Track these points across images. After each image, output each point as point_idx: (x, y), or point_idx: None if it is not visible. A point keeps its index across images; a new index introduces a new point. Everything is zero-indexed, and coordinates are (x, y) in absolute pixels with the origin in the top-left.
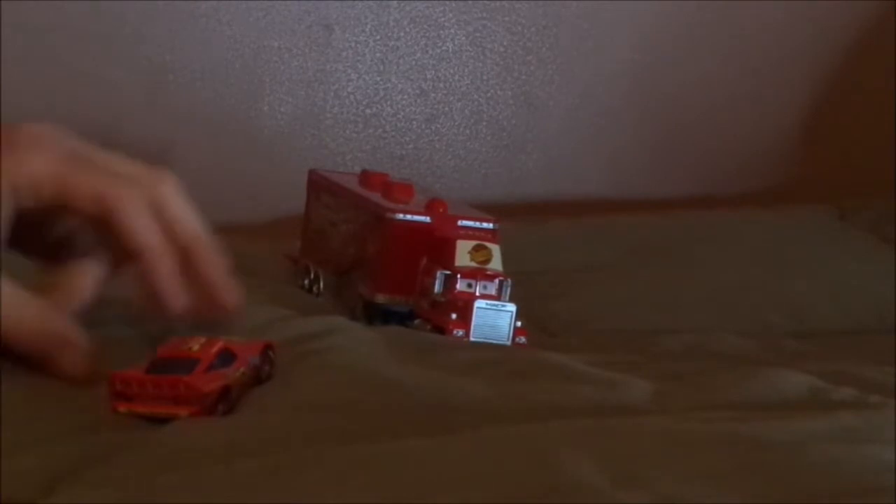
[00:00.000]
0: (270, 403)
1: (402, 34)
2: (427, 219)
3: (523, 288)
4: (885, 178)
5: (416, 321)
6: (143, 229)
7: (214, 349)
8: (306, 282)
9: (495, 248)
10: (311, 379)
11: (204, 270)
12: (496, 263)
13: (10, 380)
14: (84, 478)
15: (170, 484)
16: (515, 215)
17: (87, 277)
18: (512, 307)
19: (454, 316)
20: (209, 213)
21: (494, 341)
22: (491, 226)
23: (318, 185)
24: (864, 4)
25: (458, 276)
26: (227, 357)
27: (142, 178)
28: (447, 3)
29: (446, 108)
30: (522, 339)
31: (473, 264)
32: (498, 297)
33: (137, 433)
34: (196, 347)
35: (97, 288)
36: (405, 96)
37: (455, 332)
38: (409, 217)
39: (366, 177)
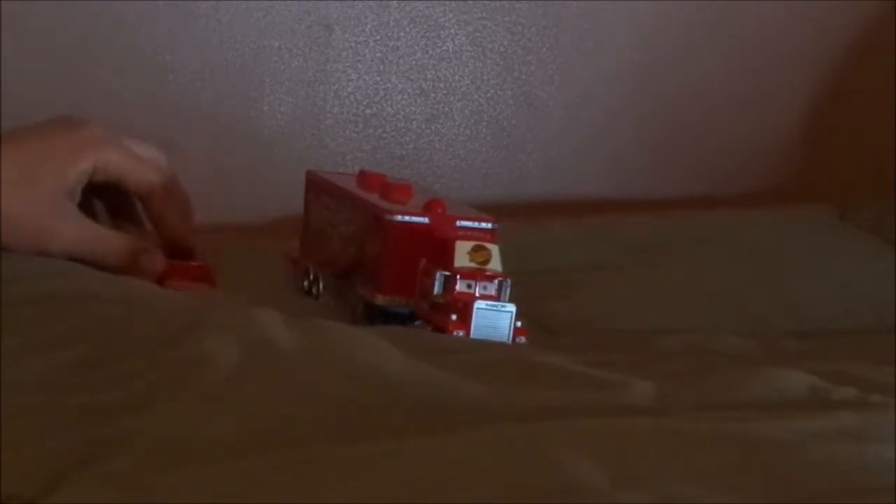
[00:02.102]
0: (270, 402)
1: (402, 34)
2: (426, 220)
3: (523, 288)
4: (885, 178)
5: (417, 322)
6: (168, 211)
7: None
8: (306, 283)
9: (494, 249)
10: (311, 378)
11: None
12: (495, 264)
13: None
14: (85, 476)
15: (170, 483)
16: (515, 215)
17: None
18: (512, 307)
19: (454, 317)
20: (209, 213)
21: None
22: (490, 226)
23: (317, 186)
24: (864, 4)
25: (458, 276)
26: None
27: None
28: (447, 3)
29: (446, 108)
30: (523, 340)
31: (473, 265)
32: (498, 298)
33: (137, 427)
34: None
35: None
36: (405, 96)
37: (455, 333)
38: (407, 218)
39: (364, 177)
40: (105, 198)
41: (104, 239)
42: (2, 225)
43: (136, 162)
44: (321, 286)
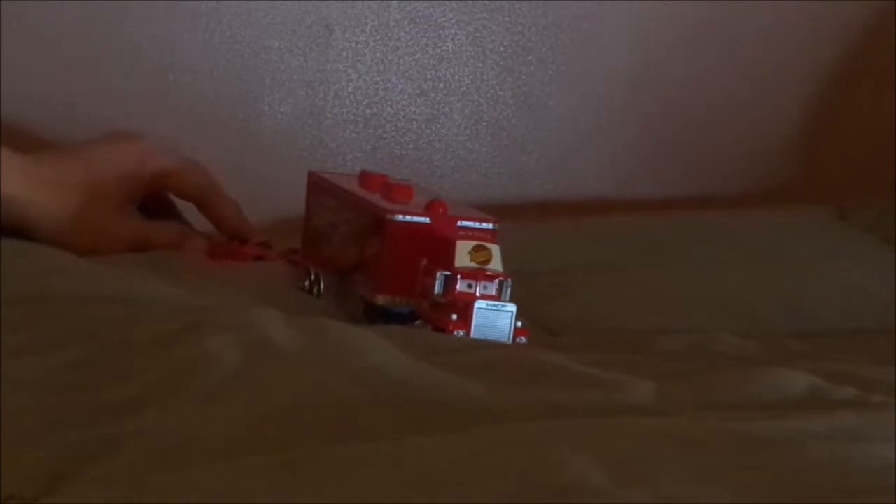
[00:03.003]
0: (271, 402)
1: (402, 34)
2: (427, 220)
3: (524, 288)
4: (885, 178)
5: (417, 322)
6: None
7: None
8: (307, 283)
9: (495, 249)
10: (312, 378)
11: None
12: (496, 264)
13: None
14: (85, 476)
15: (170, 483)
16: (515, 215)
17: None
18: (512, 307)
19: (455, 317)
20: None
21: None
22: (490, 226)
23: (318, 187)
24: (864, 4)
25: (459, 276)
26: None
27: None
28: (447, 3)
29: (446, 108)
30: (523, 340)
31: (473, 265)
32: (498, 298)
33: (137, 427)
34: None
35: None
36: (405, 96)
37: (456, 332)
38: (408, 218)
39: (365, 178)
40: (148, 207)
41: (158, 231)
42: (64, 224)
43: (190, 168)
44: (322, 286)
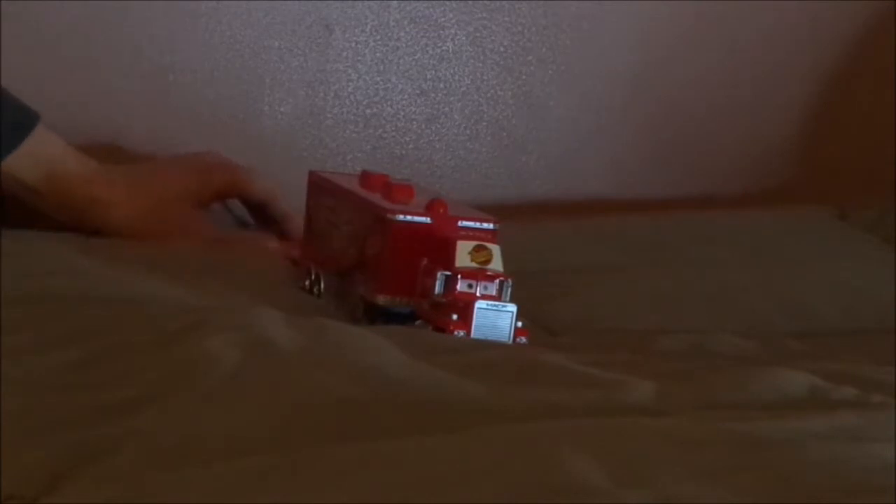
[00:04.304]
0: (271, 402)
1: (402, 34)
2: (427, 219)
3: (524, 288)
4: (885, 178)
5: (417, 322)
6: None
7: None
8: (307, 283)
9: (496, 249)
10: (312, 378)
11: None
12: (497, 264)
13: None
14: (85, 475)
15: (170, 483)
16: (515, 215)
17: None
18: (513, 307)
19: (455, 317)
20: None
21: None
22: (491, 226)
23: (319, 187)
24: (864, 4)
25: (459, 276)
26: None
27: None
28: (447, 3)
29: (446, 108)
30: (523, 340)
31: (474, 265)
32: (498, 298)
33: (137, 427)
34: None
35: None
36: (405, 96)
37: (456, 332)
38: (409, 218)
39: (366, 178)
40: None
41: (230, 235)
42: (136, 223)
43: (256, 176)
44: (322, 286)
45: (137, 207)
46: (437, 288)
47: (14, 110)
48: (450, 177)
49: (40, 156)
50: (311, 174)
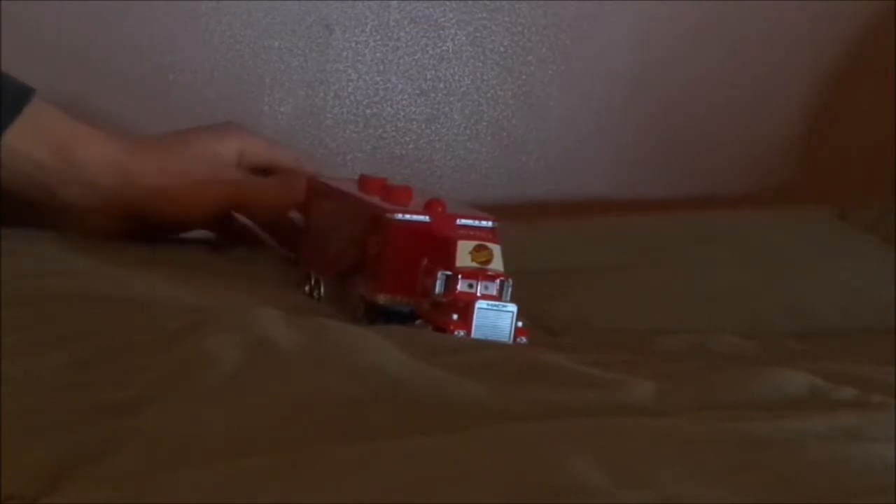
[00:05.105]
0: (271, 402)
1: (402, 34)
2: (427, 218)
3: (524, 288)
4: (885, 178)
5: (418, 322)
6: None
7: None
8: (307, 287)
9: (496, 249)
10: (312, 377)
11: None
12: (497, 264)
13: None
14: (85, 475)
15: (170, 483)
16: (515, 215)
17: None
18: (513, 307)
19: (455, 316)
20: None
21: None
22: (489, 224)
23: (318, 192)
24: (864, 4)
25: (459, 276)
26: None
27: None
28: (447, 3)
29: (446, 108)
30: (523, 340)
31: (474, 265)
32: (499, 298)
33: (137, 427)
34: None
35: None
36: (405, 96)
37: (456, 332)
38: (408, 217)
39: (364, 181)
40: None
41: (258, 182)
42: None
43: (276, 143)
44: (322, 289)
45: (162, 170)
46: (438, 288)
47: (8, 86)
48: (450, 177)
49: (44, 128)
50: (310, 180)
